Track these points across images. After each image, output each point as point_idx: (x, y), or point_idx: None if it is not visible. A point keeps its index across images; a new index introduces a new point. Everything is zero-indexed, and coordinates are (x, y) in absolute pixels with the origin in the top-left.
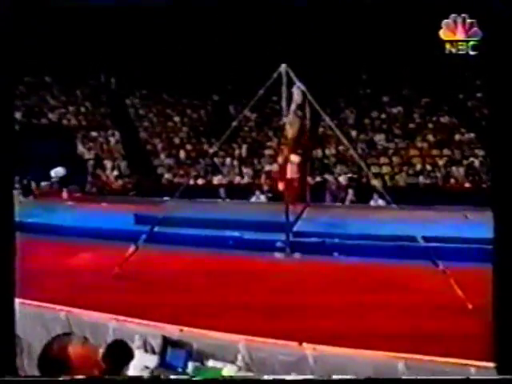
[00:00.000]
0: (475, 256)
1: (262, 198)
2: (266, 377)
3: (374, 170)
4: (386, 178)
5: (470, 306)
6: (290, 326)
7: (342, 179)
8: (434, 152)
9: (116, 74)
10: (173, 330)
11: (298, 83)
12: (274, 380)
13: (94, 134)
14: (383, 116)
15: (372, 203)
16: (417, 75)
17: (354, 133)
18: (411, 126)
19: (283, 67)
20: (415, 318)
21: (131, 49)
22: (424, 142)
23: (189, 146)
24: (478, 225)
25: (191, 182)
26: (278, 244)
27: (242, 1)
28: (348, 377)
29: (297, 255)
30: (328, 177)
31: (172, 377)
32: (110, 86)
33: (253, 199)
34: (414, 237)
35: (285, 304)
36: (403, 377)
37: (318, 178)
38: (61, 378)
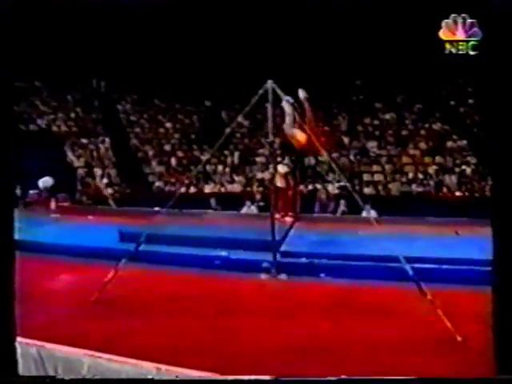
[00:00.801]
0: (466, 278)
1: (253, 208)
2: (266, 376)
3: (367, 177)
4: (379, 186)
5: (459, 339)
6: (273, 362)
7: (332, 189)
8: (427, 160)
9: (107, 79)
10: (149, 369)
11: (286, 97)
12: (273, 380)
13: (84, 140)
14: (376, 122)
15: (364, 214)
16: (415, 77)
17: (346, 139)
18: (404, 132)
19: (269, 83)
20: (399, 351)
21: (123, 54)
22: (416, 150)
23: (180, 153)
24: (470, 243)
25: (182, 190)
26: (265, 264)
27: (235, 5)
28: (347, 376)
29: (283, 276)
30: (318, 186)
31: (171, 377)
32: (101, 91)
33: (244, 210)
34: (400, 258)
35: (267, 333)
36: None
37: (310, 187)
38: (61, 378)
